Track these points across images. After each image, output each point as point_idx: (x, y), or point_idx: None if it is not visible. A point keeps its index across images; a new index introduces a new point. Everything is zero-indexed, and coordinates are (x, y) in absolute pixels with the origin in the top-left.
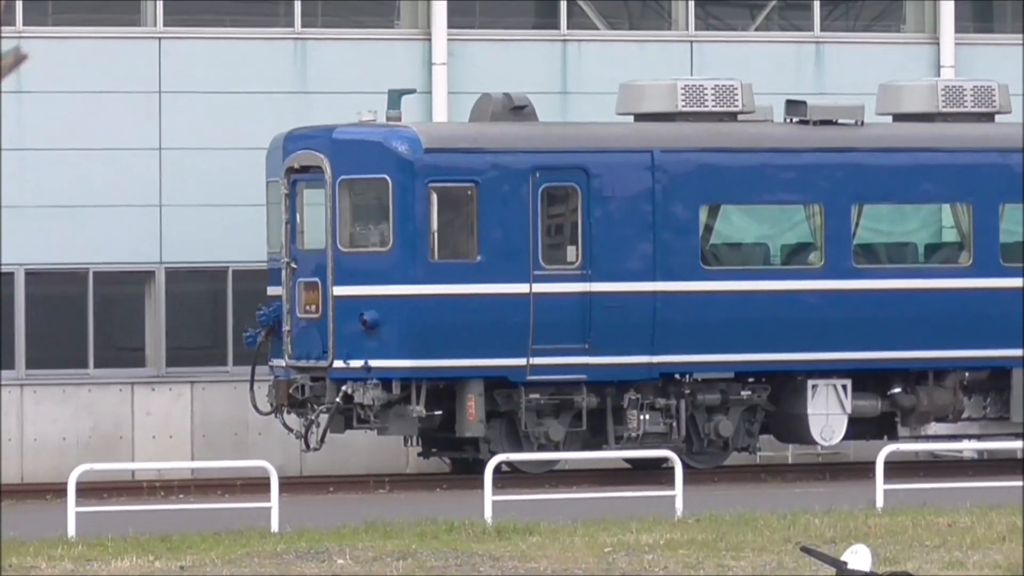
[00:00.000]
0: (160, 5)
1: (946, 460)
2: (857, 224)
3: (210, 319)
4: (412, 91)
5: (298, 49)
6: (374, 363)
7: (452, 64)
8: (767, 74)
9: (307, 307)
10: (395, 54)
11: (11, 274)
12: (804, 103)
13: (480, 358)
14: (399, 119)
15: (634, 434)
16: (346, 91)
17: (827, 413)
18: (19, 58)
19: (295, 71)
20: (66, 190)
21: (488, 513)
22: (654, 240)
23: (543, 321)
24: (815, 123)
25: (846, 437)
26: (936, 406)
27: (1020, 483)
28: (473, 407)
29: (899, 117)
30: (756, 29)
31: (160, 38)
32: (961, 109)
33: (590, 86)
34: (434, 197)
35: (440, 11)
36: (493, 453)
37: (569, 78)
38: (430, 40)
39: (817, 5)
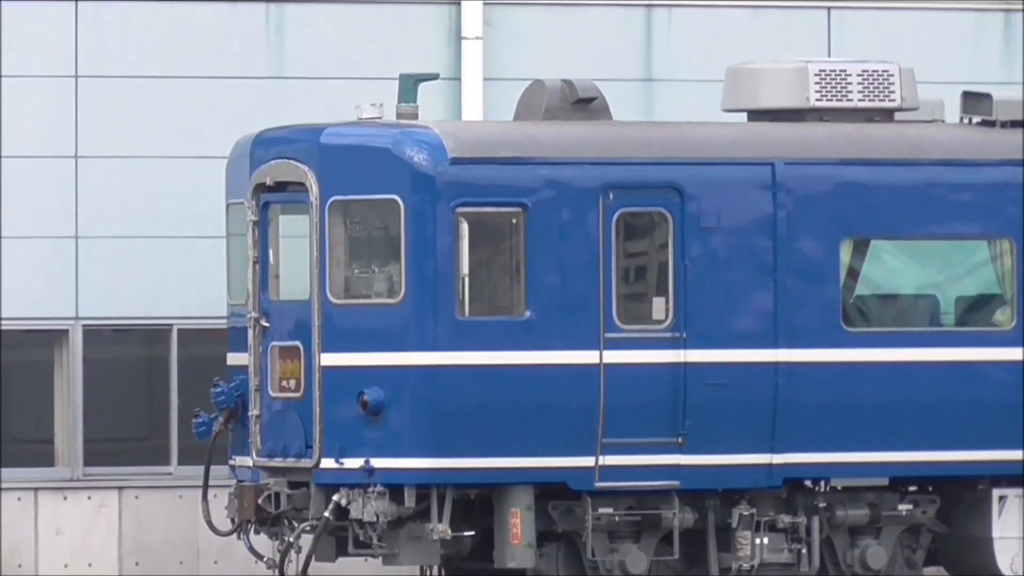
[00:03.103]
0: None
1: None
2: None
3: (146, 399)
4: (433, 77)
5: (272, 16)
6: (378, 462)
7: (490, 38)
8: (936, 55)
9: (283, 382)
10: (409, 24)
11: None
12: (988, 96)
13: (528, 456)
14: (415, 116)
15: (747, 565)
16: (339, 75)
17: (1021, 536)
18: None
19: (267, 48)
20: None
21: None
22: (775, 289)
23: (618, 404)
24: (1004, 125)
25: None
26: None
27: None
28: (519, 525)
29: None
30: None
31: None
32: None
33: (685, 70)
34: (464, 227)
35: None
36: None
37: (655, 59)
38: (459, 4)
39: None
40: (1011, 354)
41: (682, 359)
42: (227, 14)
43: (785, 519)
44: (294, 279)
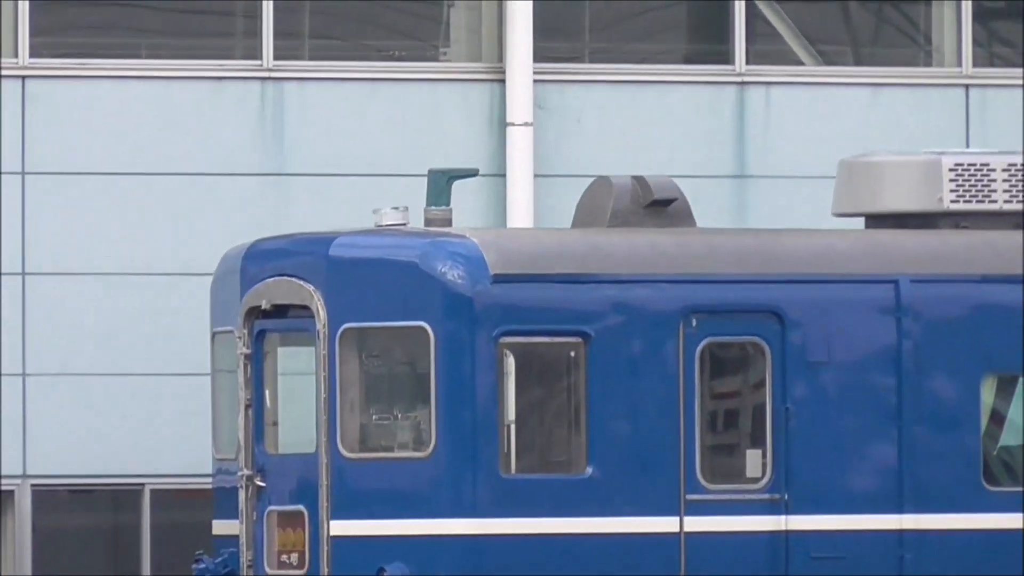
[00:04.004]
0: (24, 23)
1: None
2: None
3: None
4: (472, 173)
5: (269, 97)
6: None
7: (541, 124)
8: None
9: (283, 556)
10: (441, 106)
11: None
12: None
13: None
14: (448, 222)
15: None
16: (353, 171)
17: None
18: None
19: (263, 136)
20: None
21: None
22: (900, 439)
23: None
24: None
25: None
26: None
27: None
28: None
29: None
30: None
31: (24, 76)
32: None
33: (787, 164)
34: (510, 362)
35: (522, 33)
36: None
37: (750, 149)
38: (503, 82)
39: None
40: None
41: (783, 526)
42: (211, 94)
43: None
44: (296, 427)
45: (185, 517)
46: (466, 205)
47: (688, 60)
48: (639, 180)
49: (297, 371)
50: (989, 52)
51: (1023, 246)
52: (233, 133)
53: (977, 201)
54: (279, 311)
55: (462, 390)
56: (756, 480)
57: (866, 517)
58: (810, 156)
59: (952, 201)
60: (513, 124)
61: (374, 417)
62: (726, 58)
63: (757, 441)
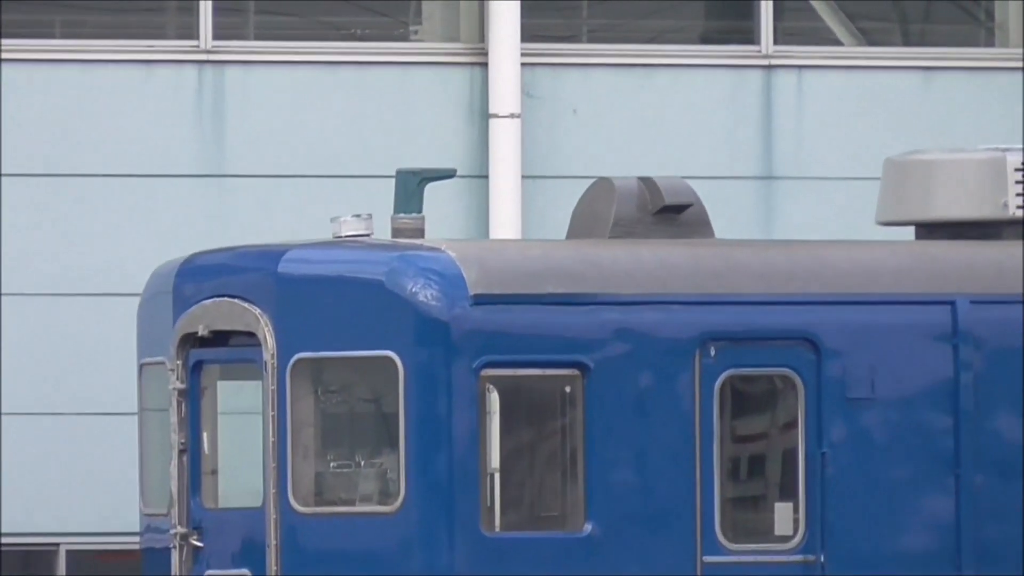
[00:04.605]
0: None
1: None
2: None
3: None
4: (448, 174)
5: (207, 84)
6: None
7: (531, 115)
8: None
9: None
10: (412, 94)
11: None
12: None
13: None
14: (420, 232)
15: None
16: (306, 172)
17: None
18: None
19: (200, 128)
20: None
21: None
22: (958, 489)
23: None
24: None
25: None
26: None
27: None
28: None
29: None
30: None
31: None
32: None
33: (822, 163)
34: (493, 398)
35: (508, 7)
36: None
37: (778, 145)
38: (485, 65)
39: None
40: None
41: None
42: (139, 80)
43: None
44: (240, 477)
45: None
46: (441, 212)
47: (705, 40)
48: (647, 182)
49: (241, 410)
50: None
51: None
52: (165, 127)
53: None
54: (219, 338)
55: (436, 432)
56: (786, 539)
57: None
58: (850, 154)
59: (1019, 207)
60: (497, 116)
61: (332, 465)
62: (750, 37)
63: (787, 493)
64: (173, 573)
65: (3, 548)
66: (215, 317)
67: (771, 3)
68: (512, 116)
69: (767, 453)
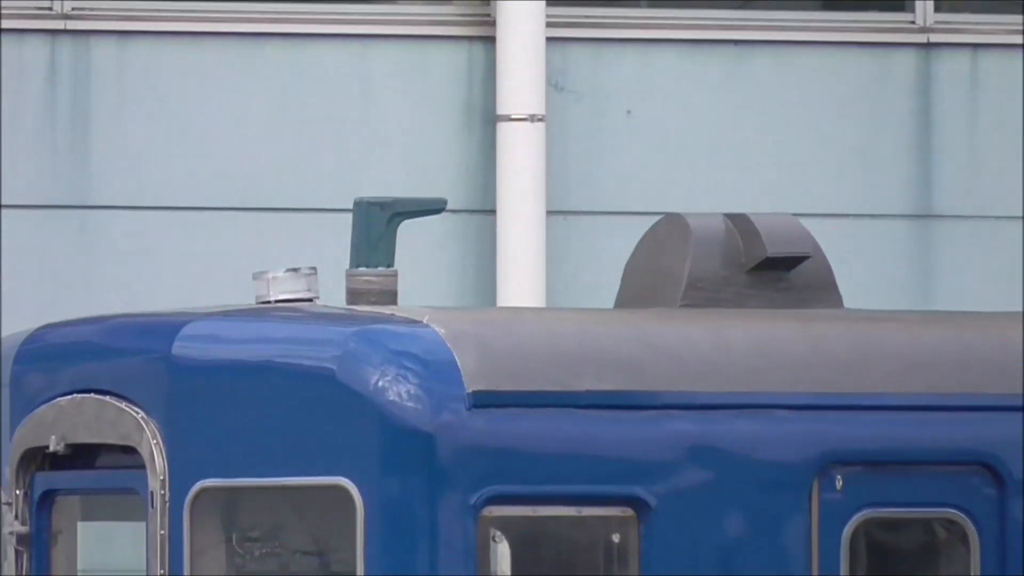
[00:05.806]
0: None
1: None
2: None
3: None
4: (437, 206)
5: (62, 58)
6: None
7: (560, 116)
8: None
9: None
10: (382, 83)
11: None
12: None
13: None
14: (391, 294)
15: None
16: (218, 203)
17: None
18: None
19: (53, 131)
20: None
21: None
22: None
23: None
24: None
25: None
26: None
27: None
28: None
29: None
30: None
31: None
32: None
33: (1003, 191)
34: (501, 550)
35: None
36: None
37: (939, 165)
38: (492, 40)
39: None
40: None
41: None
42: None
43: None
44: None
45: None
46: (424, 265)
47: (829, 6)
48: (739, 222)
49: (115, 565)
50: None
51: None
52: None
53: None
54: (81, 456)
55: None
56: None
57: None
58: None
59: None
60: (509, 119)
61: None
62: (900, 4)
63: None
64: None
65: None
66: (75, 424)
67: None
68: (532, 119)
69: None
